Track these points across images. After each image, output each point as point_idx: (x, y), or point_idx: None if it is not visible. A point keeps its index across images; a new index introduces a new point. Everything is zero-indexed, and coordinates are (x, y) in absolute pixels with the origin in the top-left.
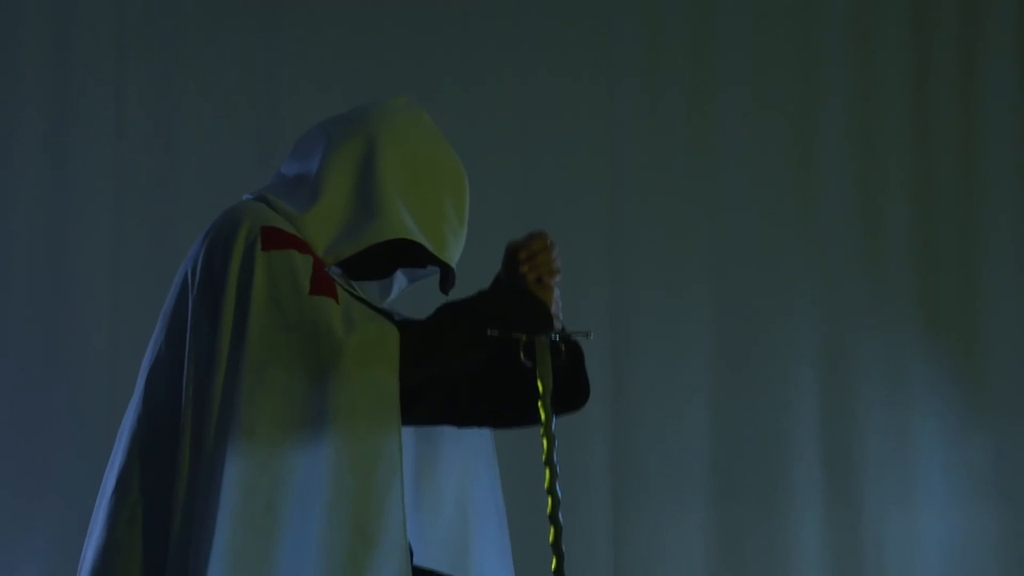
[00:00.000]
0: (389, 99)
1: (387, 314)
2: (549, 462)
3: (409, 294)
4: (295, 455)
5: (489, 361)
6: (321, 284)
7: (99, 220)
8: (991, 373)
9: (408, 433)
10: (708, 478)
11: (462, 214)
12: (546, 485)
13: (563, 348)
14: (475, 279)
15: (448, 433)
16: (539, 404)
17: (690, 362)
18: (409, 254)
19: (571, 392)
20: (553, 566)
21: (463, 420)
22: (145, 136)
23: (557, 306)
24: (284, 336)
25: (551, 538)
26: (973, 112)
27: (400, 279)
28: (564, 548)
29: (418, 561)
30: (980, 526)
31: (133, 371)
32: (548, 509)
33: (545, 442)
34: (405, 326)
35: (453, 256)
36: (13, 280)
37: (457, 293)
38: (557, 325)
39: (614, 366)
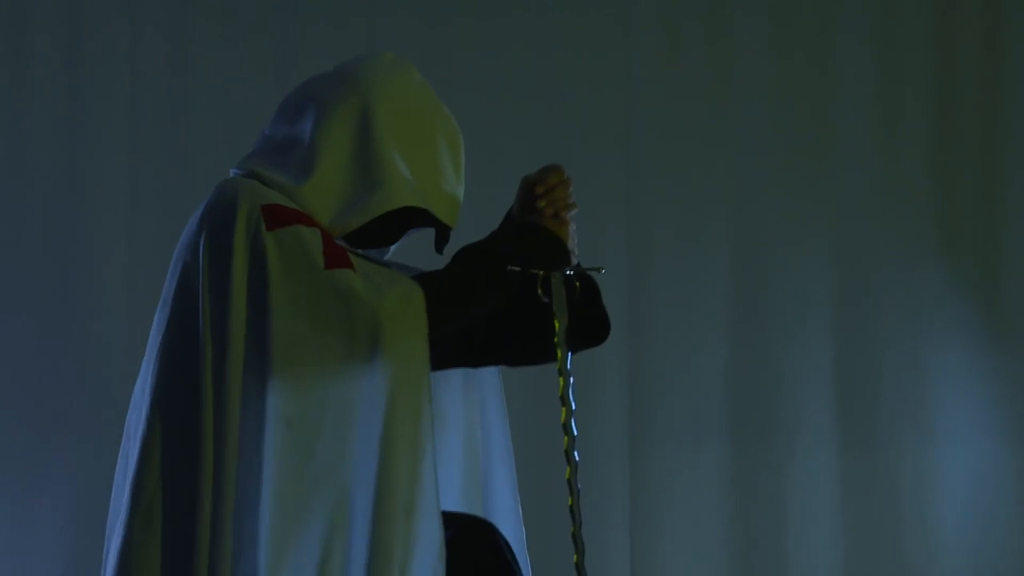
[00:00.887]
0: (375, 56)
1: (401, 271)
2: (565, 399)
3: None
4: (337, 436)
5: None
6: (335, 256)
7: (114, 154)
8: (1011, 307)
9: None
10: (724, 416)
11: (460, 173)
12: (562, 421)
13: (577, 284)
14: (492, 221)
15: (458, 374)
16: (555, 341)
17: (706, 299)
18: (409, 217)
19: (592, 326)
20: (569, 502)
21: (479, 360)
22: (159, 67)
23: (573, 241)
24: (308, 317)
25: (567, 475)
26: (996, 44)
27: None
28: (580, 485)
29: None
30: (998, 463)
31: (149, 307)
32: (564, 446)
33: (561, 379)
34: (428, 280)
35: (454, 218)
36: (29, 213)
37: (466, 238)
38: (573, 260)
39: (630, 304)
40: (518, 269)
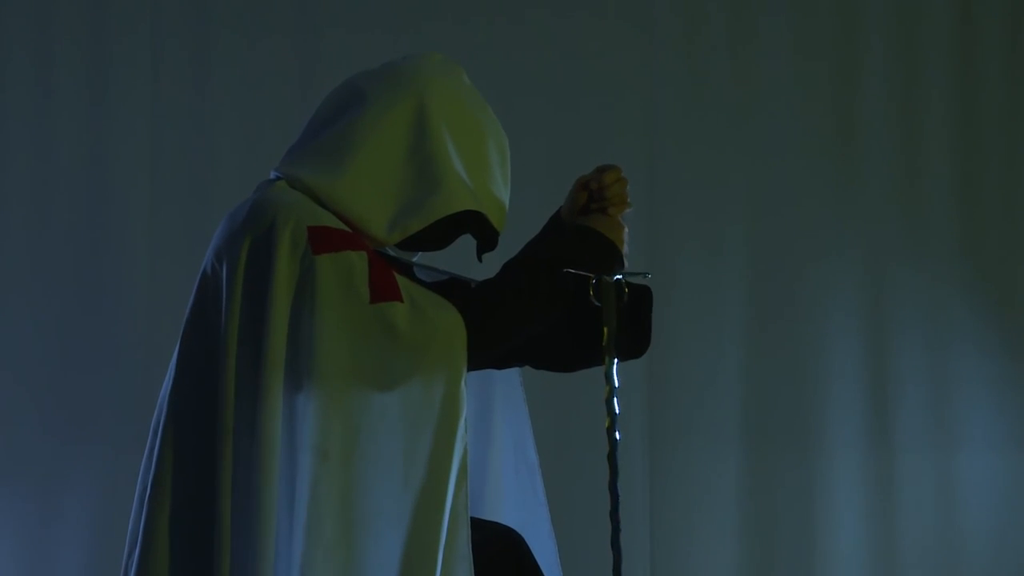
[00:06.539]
0: (425, 56)
1: (457, 283)
2: (609, 405)
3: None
4: (368, 473)
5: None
6: (381, 286)
7: (136, 159)
8: None
9: None
10: (743, 423)
11: (507, 179)
12: (606, 427)
13: (626, 290)
14: (513, 226)
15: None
16: (603, 346)
17: (727, 306)
18: (458, 222)
19: (636, 337)
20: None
21: (505, 361)
22: (180, 72)
23: (627, 245)
24: (350, 350)
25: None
26: (1021, 48)
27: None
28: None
29: None
30: (1017, 472)
31: (170, 311)
32: (608, 450)
33: (607, 386)
34: (476, 305)
35: (502, 225)
36: (51, 219)
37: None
38: (626, 264)
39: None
40: (572, 271)
